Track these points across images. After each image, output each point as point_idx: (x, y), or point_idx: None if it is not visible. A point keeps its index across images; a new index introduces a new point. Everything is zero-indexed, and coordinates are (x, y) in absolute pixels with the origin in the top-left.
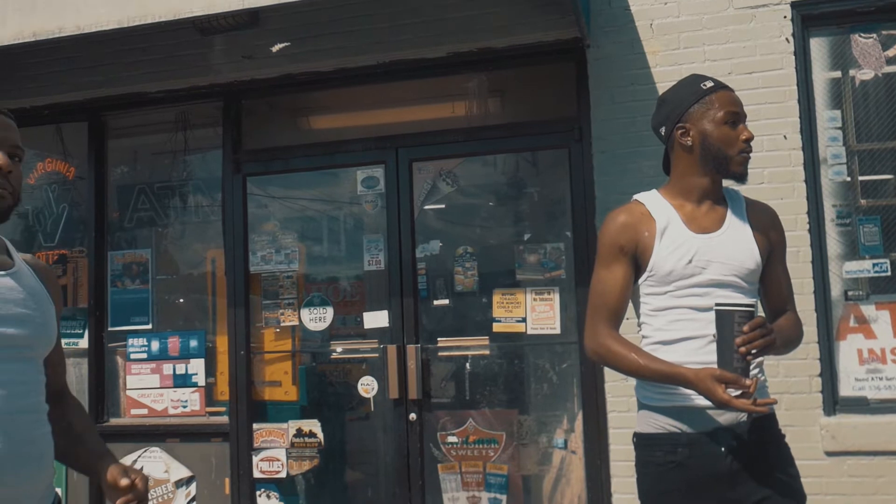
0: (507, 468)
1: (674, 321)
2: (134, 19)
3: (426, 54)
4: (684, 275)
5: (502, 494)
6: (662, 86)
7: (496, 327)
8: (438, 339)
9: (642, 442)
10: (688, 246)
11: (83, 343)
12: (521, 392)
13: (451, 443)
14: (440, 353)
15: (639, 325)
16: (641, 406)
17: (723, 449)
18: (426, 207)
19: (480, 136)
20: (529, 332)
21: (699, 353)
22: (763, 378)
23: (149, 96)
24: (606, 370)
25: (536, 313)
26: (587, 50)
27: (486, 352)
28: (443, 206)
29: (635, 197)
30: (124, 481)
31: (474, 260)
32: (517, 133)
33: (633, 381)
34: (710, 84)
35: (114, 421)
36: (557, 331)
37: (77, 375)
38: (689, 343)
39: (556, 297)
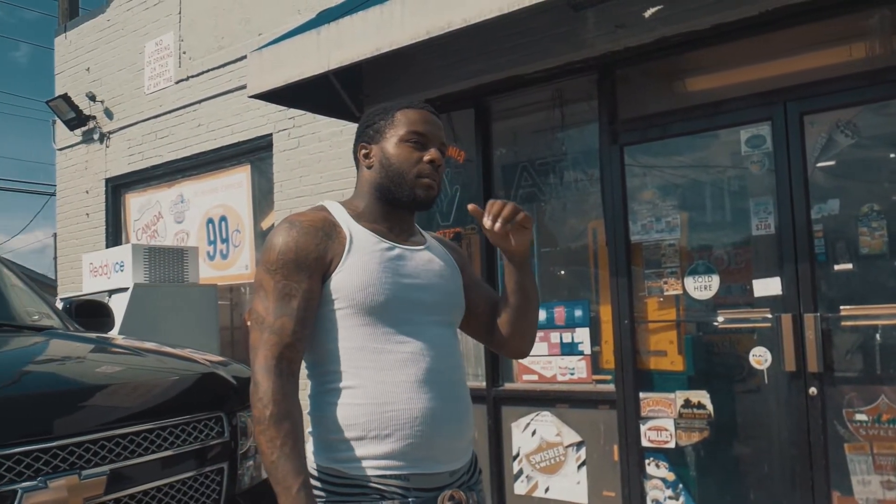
0: None
1: None
2: (513, 4)
3: None
4: None
5: None
6: None
7: None
8: (841, 307)
9: None
10: None
11: None
12: None
13: (860, 421)
14: (843, 323)
15: None
16: None
17: None
18: (820, 164)
19: (886, 79)
20: None
21: None
22: None
23: (526, 77)
24: None
25: None
26: None
27: None
28: (840, 160)
29: None
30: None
31: (882, 219)
32: None
33: None
34: None
35: (508, 385)
36: None
37: (474, 344)
38: None
39: None
